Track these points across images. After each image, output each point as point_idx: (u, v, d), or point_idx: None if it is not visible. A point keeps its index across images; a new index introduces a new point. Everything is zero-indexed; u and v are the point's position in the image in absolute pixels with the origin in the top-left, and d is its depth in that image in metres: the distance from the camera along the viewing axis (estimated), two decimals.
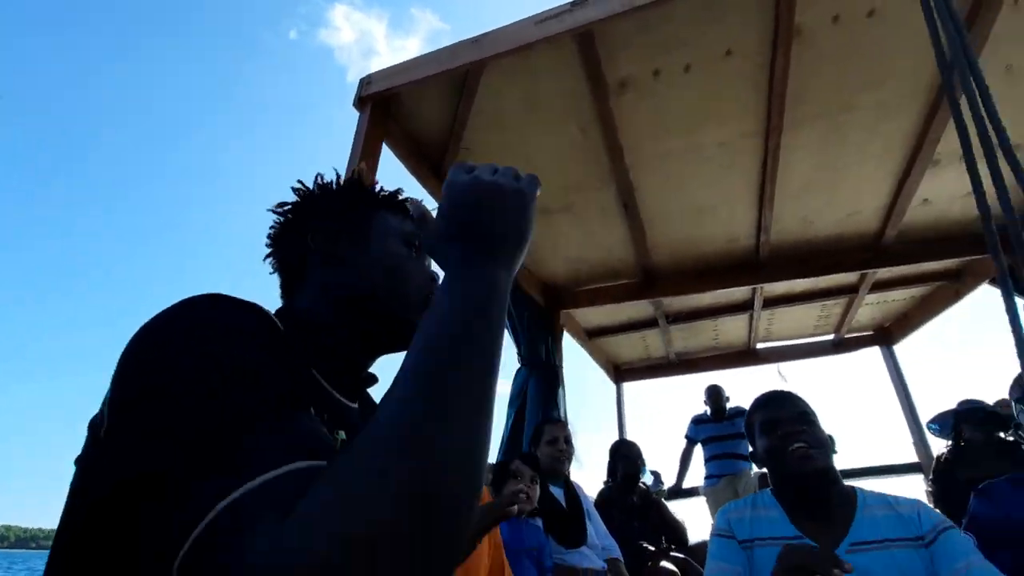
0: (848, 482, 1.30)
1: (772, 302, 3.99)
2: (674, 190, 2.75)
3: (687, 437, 4.56)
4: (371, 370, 0.73)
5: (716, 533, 1.31)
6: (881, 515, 1.20)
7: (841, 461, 4.25)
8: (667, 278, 3.51)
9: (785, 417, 1.30)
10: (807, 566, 0.95)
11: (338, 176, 0.76)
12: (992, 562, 1.15)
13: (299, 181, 0.75)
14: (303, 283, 0.70)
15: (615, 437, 4.89)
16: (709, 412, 4.47)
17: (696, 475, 4.49)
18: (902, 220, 2.94)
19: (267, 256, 0.75)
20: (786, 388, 1.42)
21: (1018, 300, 0.89)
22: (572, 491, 2.18)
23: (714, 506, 4.14)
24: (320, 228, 0.70)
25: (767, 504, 1.31)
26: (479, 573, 1.17)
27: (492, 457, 2.78)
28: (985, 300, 3.53)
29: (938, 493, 2.51)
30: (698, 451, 4.53)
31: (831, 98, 2.21)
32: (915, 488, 4.13)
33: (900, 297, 3.99)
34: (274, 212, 0.74)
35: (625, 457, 3.09)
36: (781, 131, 2.32)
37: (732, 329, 4.51)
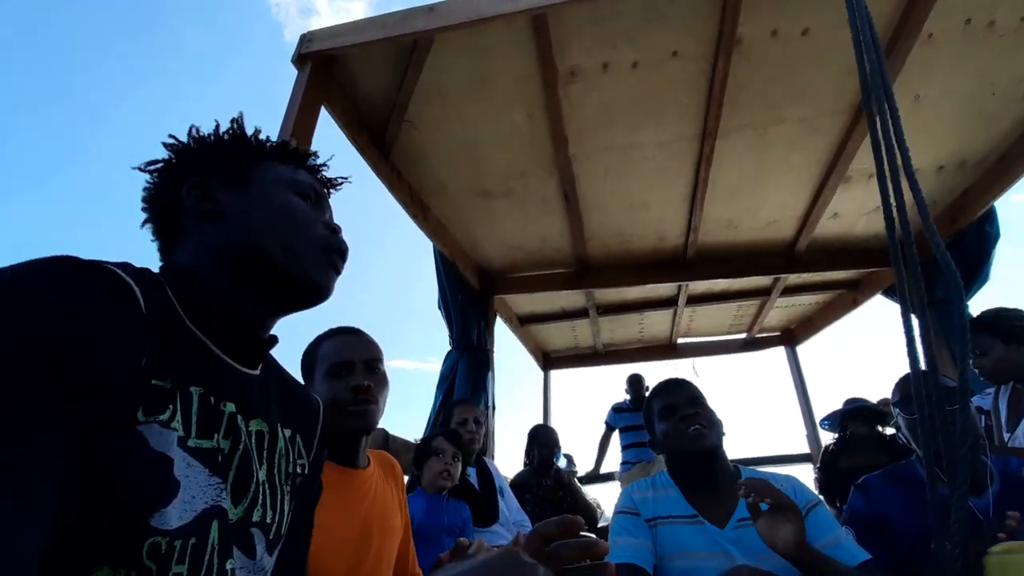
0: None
1: (695, 300, 4.21)
2: (613, 184, 2.82)
3: (606, 424, 4.73)
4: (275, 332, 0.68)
5: (622, 511, 1.35)
6: None
7: (743, 451, 4.60)
8: (600, 270, 3.61)
9: (680, 402, 1.37)
10: None
11: (217, 125, 0.68)
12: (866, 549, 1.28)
13: (171, 136, 0.67)
14: (181, 242, 0.64)
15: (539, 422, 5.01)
16: (629, 401, 4.66)
17: (613, 461, 4.68)
18: (813, 231, 3.19)
19: (143, 223, 0.67)
20: (689, 379, 1.49)
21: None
22: (485, 470, 2.21)
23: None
24: (196, 182, 0.64)
25: (665, 484, 1.38)
26: (394, 536, 1.15)
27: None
28: (877, 309, 3.92)
29: (824, 480, 2.77)
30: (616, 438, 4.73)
31: (762, 109, 2.35)
32: (805, 476, 4.54)
33: (806, 302, 4.34)
34: (144, 171, 0.66)
35: (542, 443, 3.17)
36: (716, 137, 2.44)
37: (657, 323, 4.72)
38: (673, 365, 5.20)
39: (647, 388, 4.70)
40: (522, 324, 4.52)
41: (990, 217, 2.91)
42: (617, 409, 4.72)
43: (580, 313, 4.39)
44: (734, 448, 4.54)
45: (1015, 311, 2.01)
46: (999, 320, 2.02)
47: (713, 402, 1.42)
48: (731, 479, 1.33)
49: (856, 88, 2.25)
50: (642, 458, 4.40)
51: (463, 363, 3.14)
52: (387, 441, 2.09)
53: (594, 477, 4.68)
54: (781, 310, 4.47)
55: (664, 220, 3.14)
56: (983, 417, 2.28)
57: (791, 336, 4.88)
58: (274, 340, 0.68)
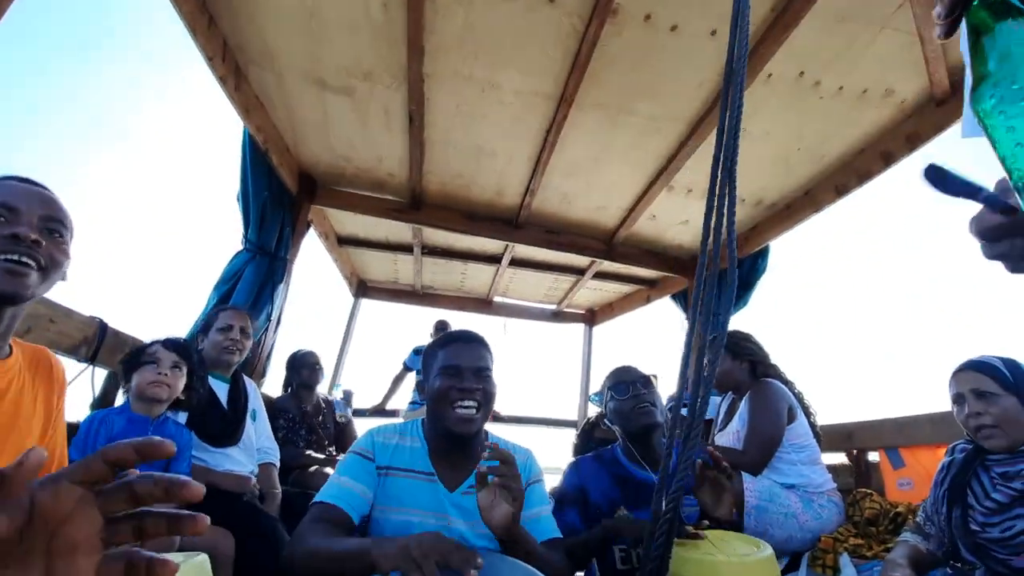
0: (521, 428, 1.41)
1: (517, 263, 4.29)
2: (465, 121, 2.63)
3: (404, 364, 4.68)
4: None
5: (356, 450, 1.27)
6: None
7: (524, 408, 4.92)
8: (433, 209, 3.44)
9: (466, 367, 1.28)
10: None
11: None
12: (563, 516, 1.39)
13: None
14: None
15: (338, 350, 4.76)
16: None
17: (402, 399, 4.67)
18: (633, 226, 3.40)
19: None
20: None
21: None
22: (238, 387, 1.97)
23: None
24: None
25: (413, 435, 1.32)
26: (17, 441, 0.86)
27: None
28: (662, 310, 4.41)
29: (578, 447, 3.08)
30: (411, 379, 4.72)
31: (619, 93, 2.35)
32: (569, 439, 5.06)
33: (610, 289, 4.71)
34: None
35: (300, 366, 2.99)
36: (571, 105, 2.39)
37: (479, 276, 4.73)
38: (485, 319, 5.33)
39: None
40: (340, 244, 4.17)
41: (764, 253, 3.40)
42: (418, 352, 4.69)
43: (404, 248, 4.19)
44: (517, 405, 4.85)
45: (745, 334, 2.36)
46: (731, 338, 2.34)
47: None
48: (478, 446, 1.32)
49: (699, 103, 2.39)
50: None
51: (252, 268, 2.76)
52: (104, 334, 1.70)
53: (378, 411, 4.63)
54: (589, 291, 4.80)
55: (507, 174, 3.07)
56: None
57: (592, 316, 5.30)
58: None
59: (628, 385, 1.71)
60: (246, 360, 2.28)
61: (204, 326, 2.09)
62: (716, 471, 1.29)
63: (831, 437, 2.36)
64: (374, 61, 2.30)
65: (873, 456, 2.26)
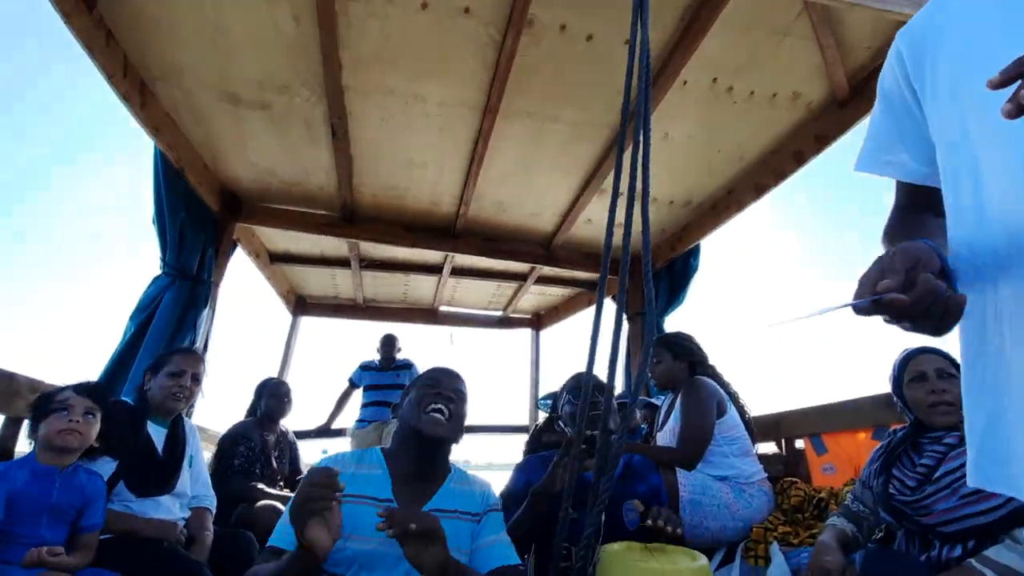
0: (471, 437, 1.42)
1: (459, 272, 4.26)
2: (391, 133, 2.59)
3: (350, 380, 4.55)
4: None
5: None
6: (460, 489, 1.31)
7: (477, 418, 4.89)
8: (368, 221, 3.37)
9: (445, 383, 1.35)
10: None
11: None
12: (509, 515, 1.39)
13: None
14: None
15: (279, 370, 4.58)
16: (378, 360, 4.55)
17: (347, 417, 4.54)
18: (570, 231, 3.44)
19: None
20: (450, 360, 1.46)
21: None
22: (177, 433, 1.85)
23: (357, 447, 4.25)
24: None
25: (373, 463, 1.30)
26: None
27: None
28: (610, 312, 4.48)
29: (528, 451, 3.07)
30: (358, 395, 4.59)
31: (543, 102, 2.37)
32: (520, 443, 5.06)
33: (554, 293, 4.75)
34: None
35: (271, 394, 2.88)
36: (497, 115, 2.39)
37: (421, 287, 4.67)
38: (433, 330, 5.26)
39: (399, 350, 4.64)
40: (272, 261, 4.02)
41: (695, 252, 3.52)
42: (365, 367, 4.57)
43: (342, 262, 4.08)
44: (471, 414, 4.80)
45: (687, 335, 2.43)
46: (673, 337, 2.41)
47: (461, 372, 1.43)
48: (441, 471, 1.34)
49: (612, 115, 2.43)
50: (379, 417, 4.35)
51: (171, 293, 2.61)
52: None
53: (324, 431, 4.48)
54: (533, 296, 4.82)
55: (440, 185, 3.04)
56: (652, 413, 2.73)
57: (538, 321, 5.33)
58: None
59: None
60: None
61: (154, 366, 1.94)
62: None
63: (761, 427, 2.46)
64: (289, 75, 2.22)
65: (800, 444, 2.37)
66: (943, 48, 0.66)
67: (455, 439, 1.35)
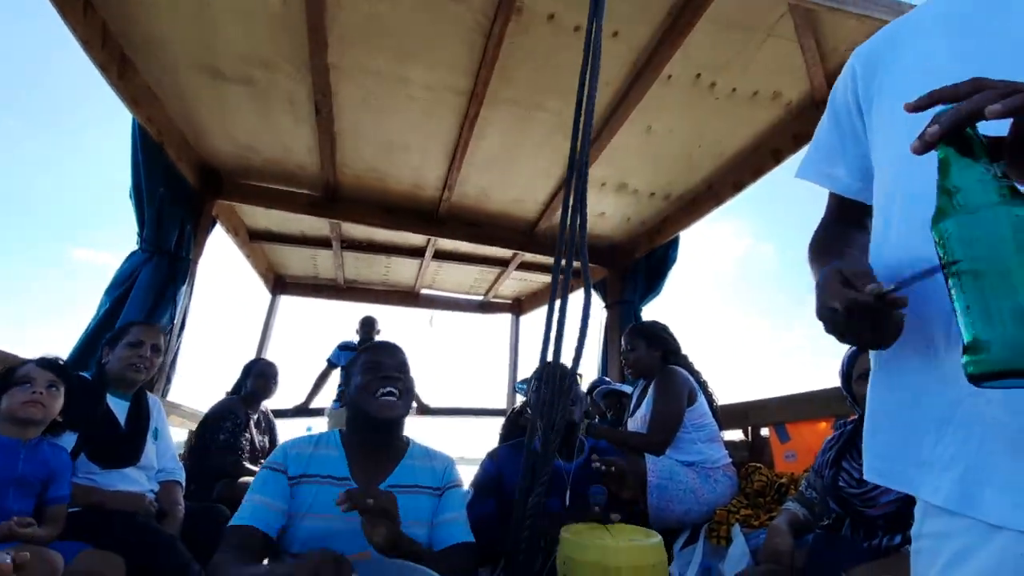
0: (445, 419, 1.45)
1: (441, 255, 4.27)
2: (375, 115, 2.58)
3: (329, 361, 4.55)
4: None
5: (268, 465, 1.27)
6: (419, 465, 1.34)
7: (455, 400, 4.93)
8: (350, 203, 3.36)
9: (387, 363, 1.34)
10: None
11: None
12: (479, 506, 1.43)
13: None
14: None
15: (257, 348, 4.56)
16: (358, 341, 4.56)
17: (325, 398, 4.55)
18: (552, 218, 3.47)
19: None
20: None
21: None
22: (140, 406, 1.85)
23: (334, 427, 4.27)
24: None
25: (329, 444, 1.33)
26: None
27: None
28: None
29: (504, 436, 3.13)
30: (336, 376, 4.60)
31: (529, 90, 2.38)
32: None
33: (535, 279, 4.80)
34: None
35: (259, 374, 2.89)
36: (482, 101, 2.40)
37: (403, 270, 4.67)
38: (413, 313, 5.27)
39: (378, 331, 4.66)
40: (252, 239, 3.98)
41: (674, 244, 3.59)
42: (343, 347, 4.57)
43: (322, 242, 4.06)
44: (447, 397, 4.86)
45: (662, 325, 2.49)
46: (649, 327, 2.47)
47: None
48: (397, 449, 1.36)
49: (606, 102, 2.45)
50: None
51: (149, 269, 2.58)
52: None
53: (302, 411, 4.49)
54: (515, 282, 4.86)
55: (423, 168, 3.04)
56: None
57: (519, 306, 5.38)
58: None
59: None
60: None
61: (112, 339, 1.93)
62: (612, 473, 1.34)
63: (730, 416, 2.55)
64: (273, 51, 2.19)
65: (765, 432, 2.47)
66: (890, 75, 0.69)
67: (406, 414, 1.37)
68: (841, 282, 0.57)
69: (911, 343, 0.59)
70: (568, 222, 1.20)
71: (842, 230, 0.80)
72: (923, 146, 0.46)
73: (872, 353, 0.67)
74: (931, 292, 0.55)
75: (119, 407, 1.82)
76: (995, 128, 0.45)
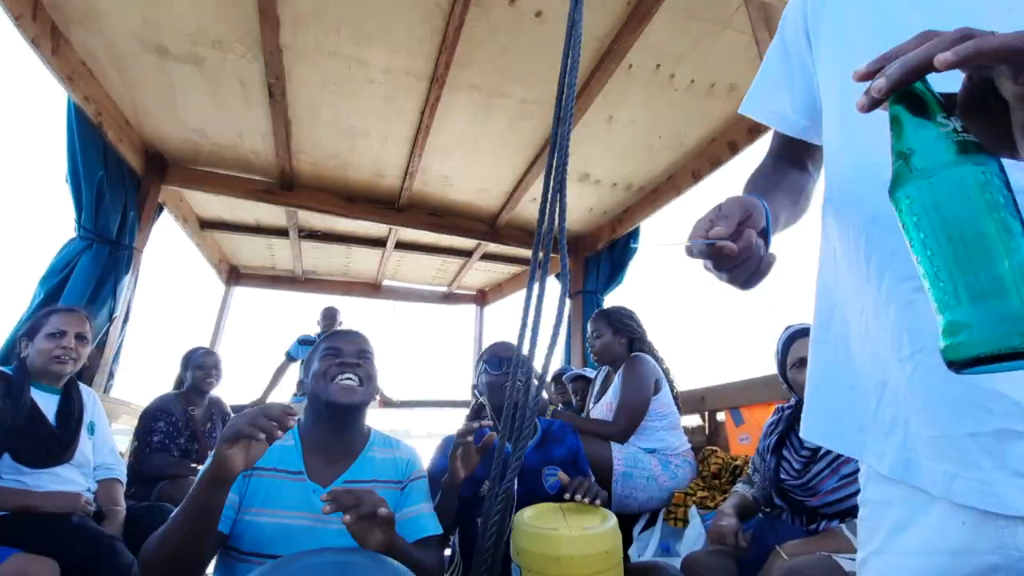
0: (411, 411, 1.39)
1: (403, 246, 4.20)
2: (332, 98, 2.50)
3: (287, 354, 4.43)
4: None
5: None
6: (381, 457, 1.30)
7: (419, 392, 4.87)
8: (307, 191, 3.26)
9: (347, 350, 1.30)
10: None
11: None
12: (434, 496, 1.41)
13: None
14: None
15: (210, 341, 4.39)
16: (319, 333, 4.44)
17: (283, 393, 4.43)
18: (515, 208, 3.46)
19: None
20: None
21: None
22: (72, 399, 1.75)
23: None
24: None
25: (286, 436, 1.26)
26: None
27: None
28: (549, 289, 4.56)
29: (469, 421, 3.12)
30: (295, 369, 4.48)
31: (490, 76, 2.35)
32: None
33: (499, 270, 4.78)
34: None
35: (198, 366, 2.75)
36: (444, 86, 2.35)
37: (364, 260, 4.58)
38: (376, 304, 5.18)
39: (340, 323, 4.55)
40: (203, 228, 3.81)
41: (635, 234, 3.63)
42: (303, 342, 4.45)
43: (279, 232, 3.93)
44: (411, 389, 4.81)
45: (628, 311, 2.50)
46: (615, 313, 2.48)
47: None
48: (356, 440, 1.30)
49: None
50: None
51: (88, 257, 2.43)
52: None
53: (259, 406, 4.35)
54: (478, 273, 4.83)
55: (384, 156, 2.97)
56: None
57: (482, 297, 5.36)
58: None
59: (503, 360, 1.72)
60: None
61: (29, 330, 1.80)
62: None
63: (688, 402, 2.60)
64: (223, 29, 2.09)
65: (721, 416, 2.53)
66: (843, 8, 0.65)
67: (368, 401, 1.32)
68: (709, 220, 0.54)
69: (850, 303, 0.59)
70: (547, 210, 1.18)
71: (779, 166, 0.77)
72: (870, 102, 0.41)
73: (814, 316, 0.67)
74: (871, 252, 0.55)
75: (47, 401, 1.71)
76: (951, 84, 0.42)
